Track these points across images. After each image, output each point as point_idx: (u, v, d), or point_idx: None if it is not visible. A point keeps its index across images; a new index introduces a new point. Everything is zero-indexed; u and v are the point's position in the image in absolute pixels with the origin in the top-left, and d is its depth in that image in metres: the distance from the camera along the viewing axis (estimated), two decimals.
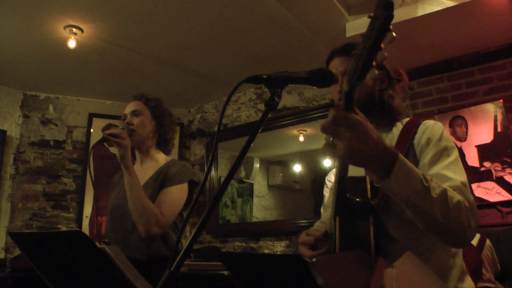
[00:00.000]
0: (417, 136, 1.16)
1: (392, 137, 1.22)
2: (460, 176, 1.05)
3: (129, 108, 1.94)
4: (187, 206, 1.87)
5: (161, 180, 1.80)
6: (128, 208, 1.70)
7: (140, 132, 1.88)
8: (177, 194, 1.78)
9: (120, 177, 1.89)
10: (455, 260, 1.11)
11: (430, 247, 1.09)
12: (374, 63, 0.78)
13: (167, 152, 2.01)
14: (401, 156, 0.88)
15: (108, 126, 4.47)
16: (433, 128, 1.16)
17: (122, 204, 1.77)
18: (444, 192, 0.92)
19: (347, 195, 1.08)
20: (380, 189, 0.92)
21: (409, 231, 1.07)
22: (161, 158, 1.95)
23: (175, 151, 4.57)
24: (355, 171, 1.17)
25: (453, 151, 1.11)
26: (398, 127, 1.24)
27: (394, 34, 0.75)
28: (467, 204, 0.95)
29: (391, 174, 0.86)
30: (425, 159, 1.11)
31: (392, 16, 0.73)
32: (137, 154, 1.97)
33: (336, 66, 1.27)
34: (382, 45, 0.76)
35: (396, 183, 0.86)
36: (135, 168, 1.84)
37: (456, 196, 0.94)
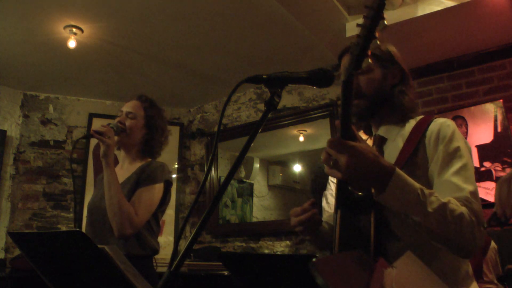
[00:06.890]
0: (428, 133, 1.15)
1: (404, 133, 1.21)
2: (469, 185, 1.04)
3: (128, 106, 1.95)
4: (162, 206, 1.87)
5: (137, 179, 1.81)
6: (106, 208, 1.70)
7: (128, 135, 1.89)
8: (152, 194, 1.78)
9: (102, 178, 1.89)
10: (461, 264, 1.10)
11: (434, 248, 1.07)
12: (369, 52, 0.82)
13: (151, 157, 1.98)
14: (398, 172, 0.93)
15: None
16: (444, 126, 1.14)
17: (101, 204, 1.77)
18: (442, 206, 0.95)
19: (349, 188, 1.06)
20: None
21: (411, 230, 1.05)
22: (143, 160, 1.95)
23: (175, 151, 4.56)
24: None
25: (465, 152, 1.10)
26: (411, 124, 1.22)
27: (386, 22, 0.78)
28: (473, 217, 0.97)
29: (387, 189, 0.91)
30: (437, 161, 1.10)
31: (384, 4, 0.77)
32: (122, 153, 1.97)
33: (346, 63, 1.26)
34: (377, 34, 0.80)
35: (391, 197, 0.92)
36: (116, 168, 1.85)
37: (459, 209, 0.97)
